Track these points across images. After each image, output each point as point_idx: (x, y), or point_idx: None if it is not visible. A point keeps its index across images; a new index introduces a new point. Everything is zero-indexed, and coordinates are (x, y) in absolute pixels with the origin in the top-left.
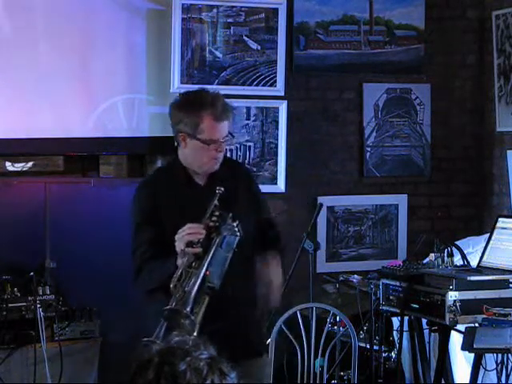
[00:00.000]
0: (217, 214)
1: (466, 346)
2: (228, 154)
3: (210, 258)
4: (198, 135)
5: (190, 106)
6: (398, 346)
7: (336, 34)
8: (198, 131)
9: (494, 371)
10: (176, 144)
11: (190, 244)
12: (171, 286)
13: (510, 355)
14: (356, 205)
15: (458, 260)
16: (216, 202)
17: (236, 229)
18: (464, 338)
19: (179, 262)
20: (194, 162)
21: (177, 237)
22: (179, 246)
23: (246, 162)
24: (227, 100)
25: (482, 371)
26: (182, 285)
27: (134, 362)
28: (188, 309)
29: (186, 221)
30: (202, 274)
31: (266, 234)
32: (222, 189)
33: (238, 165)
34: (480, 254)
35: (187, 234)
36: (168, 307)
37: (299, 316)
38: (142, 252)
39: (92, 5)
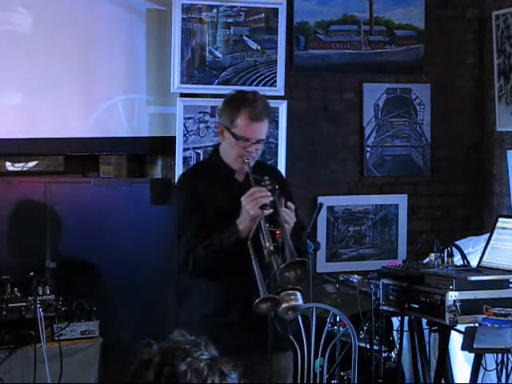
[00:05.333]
0: (266, 178)
1: (466, 346)
2: None
3: (282, 215)
4: (232, 129)
5: (232, 102)
6: (398, 346)
7: (336, 34)
8: (234, 125)
9: (494, 371)
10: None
11: (262, 207)
12: (271, 248)
13: (510, 355)
14: (356, 205)
15: (458, 260)
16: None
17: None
18: (464, 338)
19: (242, 227)
20: (227, 157)
21: (245, 201)
22: (254, 209)
23: None
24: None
25: (482, 371)
26: (271, 244)
27: (134, 362)
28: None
29: (223, 213)
30: (286, 228)
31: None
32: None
33: (273, 168)
34: (480, 254)
35: (260, 198)
36: (285, 264)
37: (299, 316)
38: (189, 237)
39: (92, 5)
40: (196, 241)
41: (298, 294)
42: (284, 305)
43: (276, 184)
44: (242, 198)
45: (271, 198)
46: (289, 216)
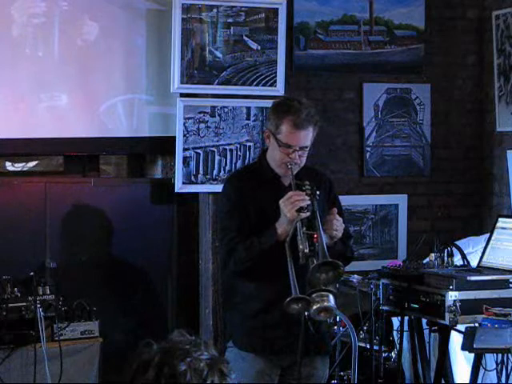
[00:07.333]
0: (307, 182)
1: (466, 346)
2: (228, 155)
3: (319, 219)
4: (277, 135)
5: (278, 108)
6: (398, 346)
7: (336, 34)
8: (278, 131)
9: (494, 371)
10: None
11: (299, 210)
12: (306, 250)
13: (510, 355)
14: (356, 205)
15: (458, 260)
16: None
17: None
18: (464, 338)
19: (281, 229)
20: (272, 161)
21: (283, 204)
22: (291, 212)
23: (246, 162)
24: (311, 112)
25: (482, 371)
26: (306, 247)
27: (134, 362)
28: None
29: (266, 215)
30: (322, 231)
31: (343, 243)
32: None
33: (320, 172)
34: (480, 254)
35: (297, 201)
36: (317, 263)
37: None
38: (231, 237)
39: (92, 4)
40: (237, 241)
41: (331, 295)
42: (315, 306)
43: (317, 189)
44: (280, 201)
45: (308, 202)
46: (338, 227)
